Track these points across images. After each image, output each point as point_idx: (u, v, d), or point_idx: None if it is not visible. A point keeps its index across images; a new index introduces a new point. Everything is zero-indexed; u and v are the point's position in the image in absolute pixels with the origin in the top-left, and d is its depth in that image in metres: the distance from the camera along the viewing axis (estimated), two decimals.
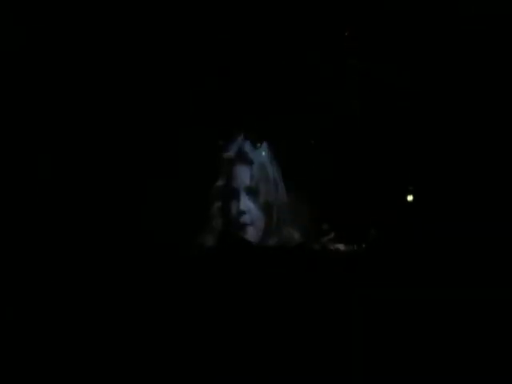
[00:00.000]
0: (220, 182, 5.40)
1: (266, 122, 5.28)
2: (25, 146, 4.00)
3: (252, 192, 5.39)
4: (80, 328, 2.77)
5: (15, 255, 3.09)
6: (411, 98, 5.04)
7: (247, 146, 5.39)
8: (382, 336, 2.69)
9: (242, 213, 5.46)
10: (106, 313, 2.96)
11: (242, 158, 5.40)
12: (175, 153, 5.02)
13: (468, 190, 4.67)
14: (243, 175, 5.44)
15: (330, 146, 5.43)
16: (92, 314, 2.93)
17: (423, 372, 2.49)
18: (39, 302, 2.82)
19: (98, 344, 2.68)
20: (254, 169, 5.37)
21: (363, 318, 2.77)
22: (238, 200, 5.45)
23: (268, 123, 5.29)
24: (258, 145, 5.44)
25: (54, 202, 3.93)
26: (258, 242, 5.14)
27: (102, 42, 4.33)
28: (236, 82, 5.02)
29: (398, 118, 5.16)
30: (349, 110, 5.15)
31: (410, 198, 5.49)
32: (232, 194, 5.37)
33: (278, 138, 5.43)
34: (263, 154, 5.45)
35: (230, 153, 5.37)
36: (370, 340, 2.61)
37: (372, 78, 5.12)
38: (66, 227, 3.88)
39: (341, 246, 5.26)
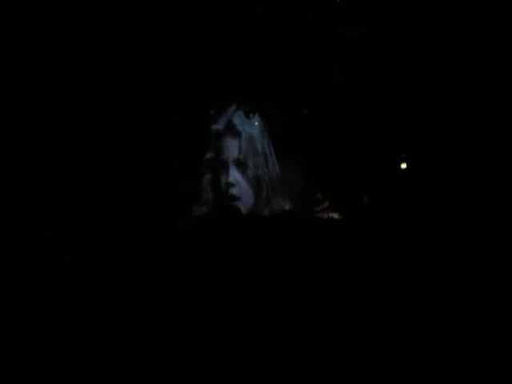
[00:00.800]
0: (209, 155, 5.37)
1: (258, 93, 5.20)
2: (23, 145, 3.91)
3: (241, 165, 5.37)
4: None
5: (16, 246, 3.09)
6: (403, 68, 4.99)
7: (237, 118, 5.33)
8: (375, 306, 2.71)
9: (230, 185, 5.49)
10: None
11: (231, 130, 5.34)
12: (167, 125, 4.96)
13: (459, 160, 4.69)
14: (232, 148, 5.41)
15: (323, 116, 5.39)
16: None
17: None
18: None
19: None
20: (243, 141, 5.32)
21: (358, 286, 2.79)
22: (227, 173, 5.48)
23: (261, 94, 5.21)
24: (251, 115, 5.38)
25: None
26: (248, 213, 5.17)
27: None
28: (230, 54, 4.90)
29: (387, 87, 5.11)
30: (340, 81, 5.09)
31: (403, 166, 5.50)
32: (221, 166, 5.37)
33: (270, 109, 5.38)
34: (256, 124, 5.39)
35: (219, 125, 5.32)
36: (361, 310, 2.62)
37: (362, 48, 5.03)
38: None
39: (335, 215, 5.30)
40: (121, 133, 4.51)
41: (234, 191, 5.46)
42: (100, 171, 4.34)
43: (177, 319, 2.52)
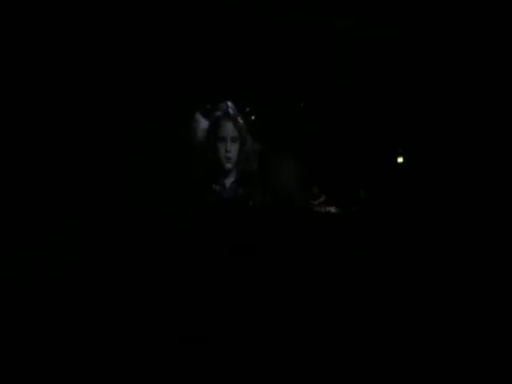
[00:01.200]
0: (207, 154, 5.47)
1: (253, 87, 5.19)
2: (23, 145, 3.90)
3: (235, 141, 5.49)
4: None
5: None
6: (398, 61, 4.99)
7: (231, 108, 5.41)
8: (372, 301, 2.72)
9: (228, 184, 5.59)
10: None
11: (226, 116, 5.42)
12: (166, 125, 4.96)
13: (456, 154, 4.71)
14: (228, 128, 5.51)
15: (319, 110, 5.39)
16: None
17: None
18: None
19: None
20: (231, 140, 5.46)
21: (355, 280, 2.81)
22: (225, 172, 5.56)
23: (256, 87, 5.20)
24: (247, 109, 5.42)
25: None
26: (245, 210, 5.23)
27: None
28: (225, 48, 4.88)
29: (384, 82, 5.11)
30: (335, 73, 5.09)
31: (399, 160, 5.51)
32: (218, 166, 5.49)
33: (266, 101, 5.37)
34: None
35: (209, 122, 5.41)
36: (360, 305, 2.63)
37: (357, 39, 5.03)
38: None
39: (331, 209, 5.32)
40: (120, 133, 4.50)
41: (231, 190, 5.56)
42: (99, 171, 4.33)
43: (177, 318, 2.55)
